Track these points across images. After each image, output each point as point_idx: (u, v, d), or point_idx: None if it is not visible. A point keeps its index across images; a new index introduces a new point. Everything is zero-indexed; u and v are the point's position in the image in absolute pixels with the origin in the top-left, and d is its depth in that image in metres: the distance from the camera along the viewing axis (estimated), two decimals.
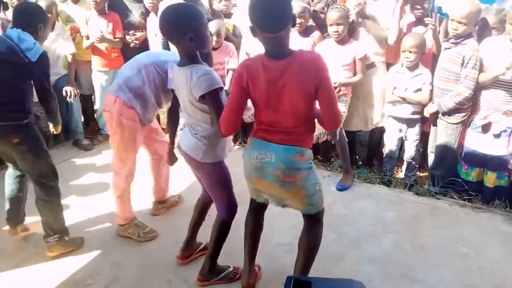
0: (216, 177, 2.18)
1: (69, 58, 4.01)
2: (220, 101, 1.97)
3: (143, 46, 4.12)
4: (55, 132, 2.81)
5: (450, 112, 3.09)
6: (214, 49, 3.70)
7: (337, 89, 3.23)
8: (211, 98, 1.94)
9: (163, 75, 2.47)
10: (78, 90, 4.01)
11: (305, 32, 3.53)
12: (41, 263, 2.52)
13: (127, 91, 2.47)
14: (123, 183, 2.65)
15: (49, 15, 3.61)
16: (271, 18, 1.71)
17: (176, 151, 2.39)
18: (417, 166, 3.59)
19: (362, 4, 3.25)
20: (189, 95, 1.99)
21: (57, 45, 3.91)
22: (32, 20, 2.42)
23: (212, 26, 3.64)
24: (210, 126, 2.06)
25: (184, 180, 3.15)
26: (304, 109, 1.83)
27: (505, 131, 2.93)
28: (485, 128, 2.98)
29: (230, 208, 2.23)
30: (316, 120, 1.94)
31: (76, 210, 3.06)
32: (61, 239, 2.57)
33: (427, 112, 3.24)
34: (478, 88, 2.96)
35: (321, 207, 2.03)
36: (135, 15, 4.17)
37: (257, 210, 2.16)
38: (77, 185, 3.49)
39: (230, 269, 2.36)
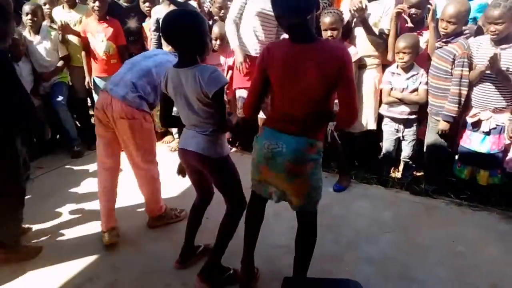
0: (229, 171, 2.21)
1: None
2: (224, 97, 2.05)
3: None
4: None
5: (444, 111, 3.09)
6: (215, 50, 3.74)
7: None
8: (220, 94, 2.01)
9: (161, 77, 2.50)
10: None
11: None
12: (39, 268, 2.52)
13: (142, 97, 2.51)
14: (157, 170, 2.78)
15: (35, 18, 3.86)
16: (296, 4, 1.72)
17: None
18: (414, 165, 3.60)
19: (363, 10, 3.21)
20: (198, 93, 2.01)
21: (43, 47, 3.98)
22: None
23: (215, 30, 3.66)
24: (215, 122, 2.10)
25: (178, 185, 3.15)
26: (321, 97, 1.84)
27: (495, 128, 2.93)
28: (475, 125, 3.00)
29: (242, 202, 2.24)
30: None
31: (73, 215, 3.07)
32: (10, 251, 2.53)
33: (440, 131, 3.10)
34: (470, 86, 2.97)
35: (316, 205, 2.02)
36: (131, 21, 4.20)
37: (257, 205, 2.16)
38: (74, 191, 3.49)
39: (231, 271, 2.35)
